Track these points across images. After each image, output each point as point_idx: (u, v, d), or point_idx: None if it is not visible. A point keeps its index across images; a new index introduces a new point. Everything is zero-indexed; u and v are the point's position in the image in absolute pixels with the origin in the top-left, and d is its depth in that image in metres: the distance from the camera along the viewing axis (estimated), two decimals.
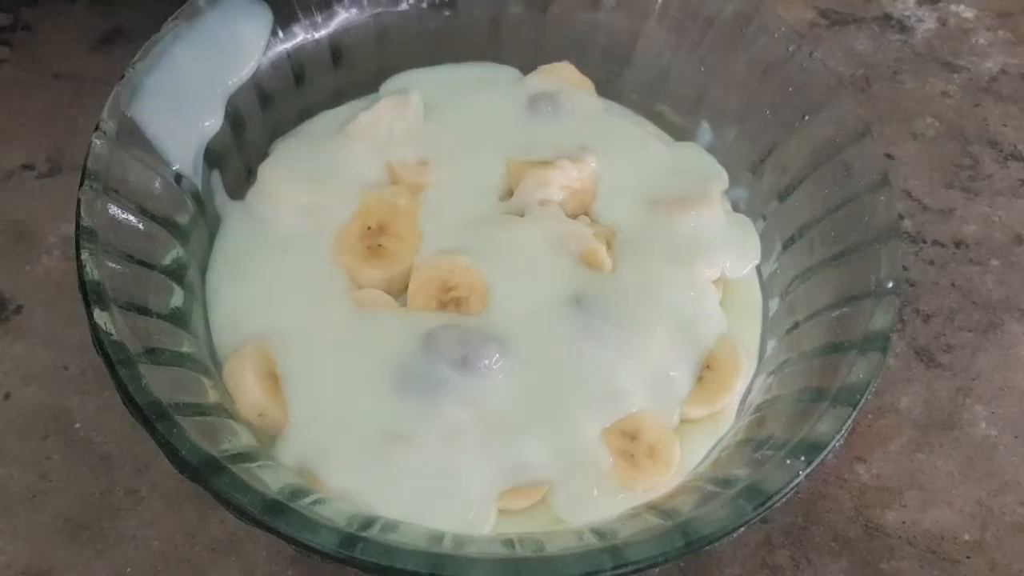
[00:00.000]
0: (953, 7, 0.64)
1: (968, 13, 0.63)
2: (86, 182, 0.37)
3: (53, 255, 0.49)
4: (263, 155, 0.46)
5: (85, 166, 0.37)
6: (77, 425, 0.44)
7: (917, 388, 0.48)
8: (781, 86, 0.45)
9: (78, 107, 0.54)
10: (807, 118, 0.44)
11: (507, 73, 0.50)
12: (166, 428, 0.32)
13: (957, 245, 0.53)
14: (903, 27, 0.63)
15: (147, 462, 0.43)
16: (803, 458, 0.34)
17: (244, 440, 0.36)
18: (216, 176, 0.44)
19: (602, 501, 0.38)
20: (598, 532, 0.34)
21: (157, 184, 0.40)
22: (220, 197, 0.44)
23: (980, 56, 0.61)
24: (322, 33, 0.47)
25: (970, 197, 0.55)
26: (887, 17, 0.63)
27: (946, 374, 0.49)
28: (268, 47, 0.45)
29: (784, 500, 0.33)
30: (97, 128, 0.38)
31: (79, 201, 0.36)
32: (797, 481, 0.33)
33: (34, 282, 0.48)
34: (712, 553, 0.42)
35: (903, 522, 0.44)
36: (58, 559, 0.41)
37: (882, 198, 0.40)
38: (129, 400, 0.33)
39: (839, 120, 0.43)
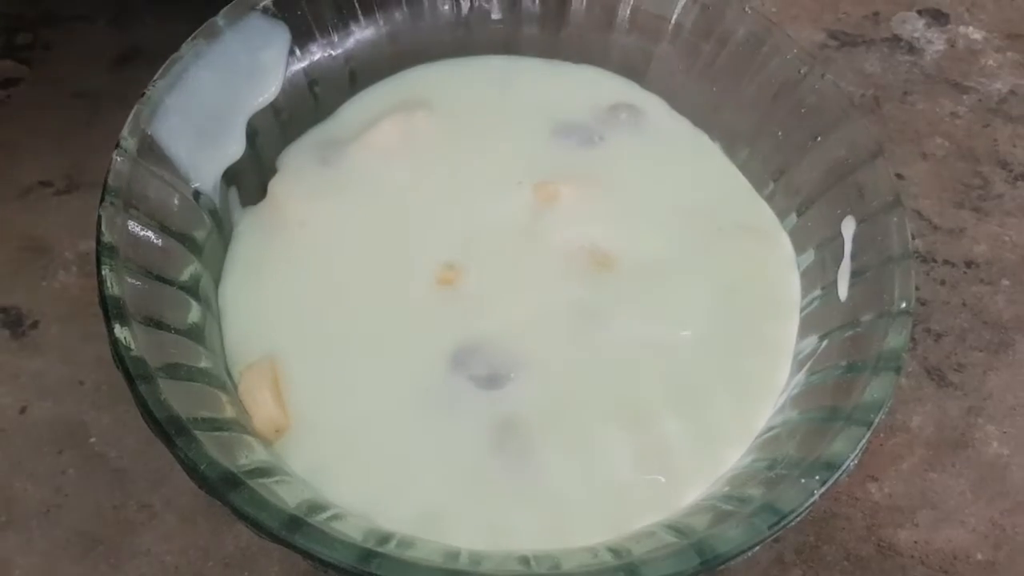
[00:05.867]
0: (962, 28, 0.64)
1: (977, 35, 0.64)
2: (107, 198, 0.37)
3: (70, 271, 0.50)
4: None
5: (106, 183, 0.38)
6: (92, 440, 0.45)
7: (929, 407, 0.48)
8: (793, 107, 0.45)
9: (96, 125, 0.55)
10: (819, 139, 0.44)
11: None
12: (185, 443, 0.32)
13: (968, 265, 0.54)
14: (912, 48, 0.63)
15: (161, 477, 0.44)
16: (818, 477, 0.34)
17: (260, 455, 0.36)
18: (234, 192, 0.44)
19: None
20: (613, 549, 0.34)
21: (176, 201, 0.40)
22: (237, 213, 0.45)
23: (989, 77, 0.62)
24: (338, 51, 0.47)
25: (980, 217, 0.55)
26: (896, 39, 0.64)
27: (957, 393, 0.49)
28: (286, 66, 0.45)
29: (799, 519, 0.33)
30: (117, 145, 0.39)
31: (99, 217, 0.37)
32: (812, 500, 0.33)
33: (51, 297, 0.49)
34: (725, 572, 0.42)
35: (915, 541, 0.44)
36: (71, 573, 0.41)
37: (895, 219, 0.41)
38: (148, 415, 0.33)
39: (851, 141, 0.43)
